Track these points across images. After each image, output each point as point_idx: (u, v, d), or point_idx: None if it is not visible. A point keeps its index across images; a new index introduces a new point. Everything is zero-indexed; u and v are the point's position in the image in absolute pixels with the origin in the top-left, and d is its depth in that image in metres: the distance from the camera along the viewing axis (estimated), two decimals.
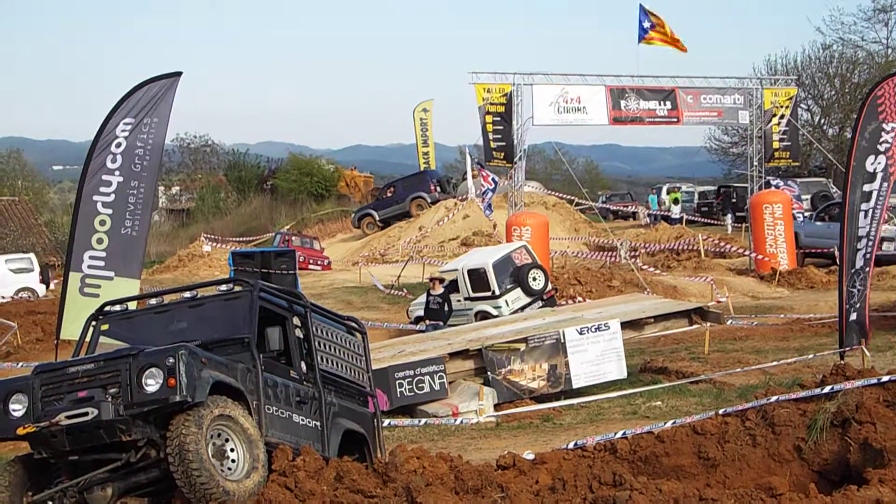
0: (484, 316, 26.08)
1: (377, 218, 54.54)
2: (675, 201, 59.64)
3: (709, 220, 52.66)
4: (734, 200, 53.36)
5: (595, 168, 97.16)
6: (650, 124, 37.13)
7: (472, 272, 27.03)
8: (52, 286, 35.88)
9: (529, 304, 27.14)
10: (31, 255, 38.30)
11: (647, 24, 36.17)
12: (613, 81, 36.47)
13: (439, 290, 25.16)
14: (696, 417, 11.89)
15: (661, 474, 10.57)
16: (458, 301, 27.04)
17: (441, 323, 24.71)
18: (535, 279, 27.41)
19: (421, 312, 28.16)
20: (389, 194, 55.32)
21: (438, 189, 54.73)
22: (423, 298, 28.86)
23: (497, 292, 26.54)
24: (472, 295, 26.89)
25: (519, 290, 27.17)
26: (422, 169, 60.28)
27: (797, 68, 63.75)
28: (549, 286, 27.89)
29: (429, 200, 53.54)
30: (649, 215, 55.04)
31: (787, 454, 10.72)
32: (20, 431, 9.42)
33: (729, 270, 37.33)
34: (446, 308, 25.16)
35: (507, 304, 26.65)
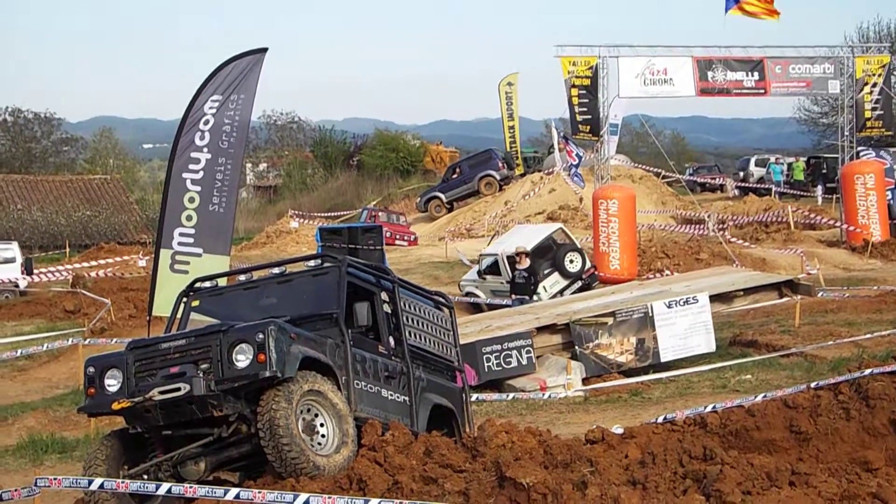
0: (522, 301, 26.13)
1: (444, 200, 54.49)
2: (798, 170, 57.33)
3: (799, 192, 51.89)
4: (825, 171, 52.51)
5: (682, 140, 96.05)
6: (737, 96, 36.63)
7: (511, 258, 27.10)
8: (34, 277, 35.82)
9: (567, 286, 27.24)
10: (14, 245, 38.34)
11: None
12: (700, 52, 36.00)
13: (526, 263, 25.11)
14: (788, 391, 11.76)
15: (752, 449, 10.46)
16: (500, 283, 27.21)
17: (527, 297, 24.67)
18: (571, 262, 27.60)
19: (472, 288, 28.40)
20: (455, 175, 55.23)
21: (506, 166, 54.64)
22: (473, 273, 29.10)
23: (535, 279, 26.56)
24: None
25: (557, 273, 27.25)
26: (504, 144, 60.18)
27: (890, 35, 62.45)
28: (589, 265, 27.94)
29: (498, 178, 53.48)
30: (777, 189, 53.10)
31: (882, 428, 10.53)
32: (115, 406, 9.59)
33: (819, 242, 36.82)
34: (533, 282, 25.15)
35: (546, 290, 26.79)
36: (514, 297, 25.16)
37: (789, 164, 58.48)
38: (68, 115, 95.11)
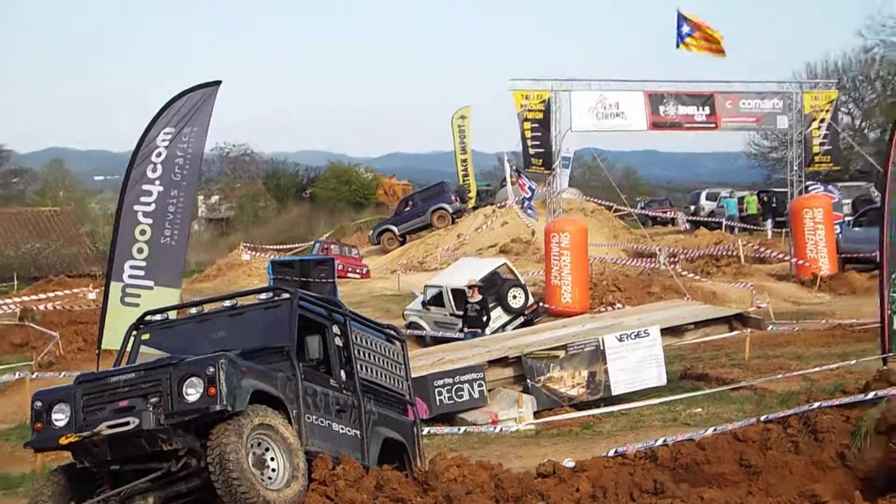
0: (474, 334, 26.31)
1: (397, 233, 54.58)
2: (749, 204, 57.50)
3: (751, 226, 52.30)
4: (774, 205, 52.97)
5: (634, 174, 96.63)
6: (689, 129, 36.97)
7: (455, 291, 27.38)
8: None
9: (510, 321, 27.46)
10: None
11: (685, 30, 35.90)
12: (652, 87, 36.31)
13: (477, 297, 25.23)
14: (738, 424, 11.82)
15: (703, 482, 10.50)
16: (444, 315, 27.39)
17: (479, 330, 24.74)
18: (514, 297, 27.95)
19: (416, 318, 28.58)
20: (408, 208, 55.34)
21: (459, 199, 54.81)
22: (417, 304, 29.28)
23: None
24: (456, 312, 27.18)
25: (500, 308, 27.50)
26: (459, 176, 60.34)
27: (838, 72, 63.28)
28: (532, 301, 28.19)
29: (450, 211, 53.69)
30: (728, 223, 53.30)
31: (830, 461, 10.61)
32: (63, 441, 9.49)
33: (769, 276, 37.07)
34: (485, 316, 25.24)
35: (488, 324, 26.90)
36: (466, 329, 25.23)
37: (741, 198, 58.89)
38: (18, 146, 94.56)
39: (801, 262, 35.62)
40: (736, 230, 50.33)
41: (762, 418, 11.52)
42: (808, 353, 22.65)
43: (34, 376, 21.71)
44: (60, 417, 9.59)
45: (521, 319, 27.82)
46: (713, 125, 36.61)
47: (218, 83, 18.78)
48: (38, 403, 9.75)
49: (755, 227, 52.57)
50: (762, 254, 39.85)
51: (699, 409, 18.38)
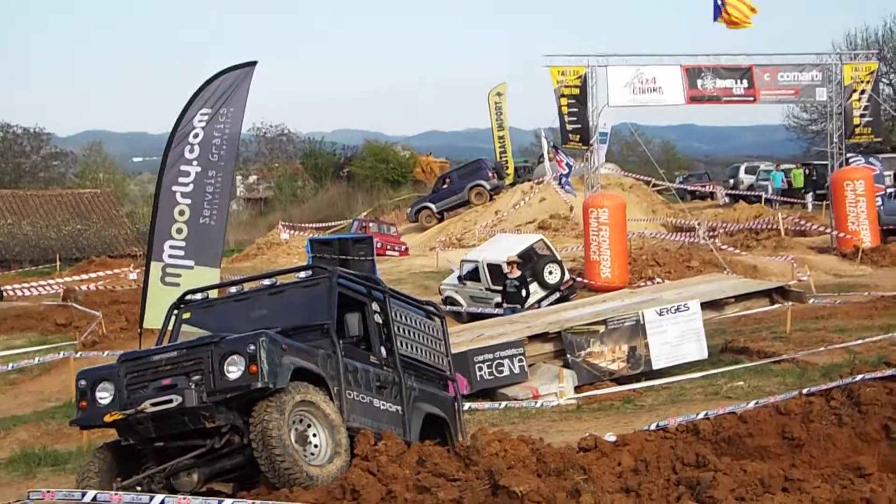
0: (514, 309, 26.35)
1: (435, 210, 54.48)
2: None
3: (795, 199, 51.93)
4: (814, 178, 52.56)
5: (672, 148, 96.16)
6: (727, 103, 36.71)
7: (491, 266, 27.33)
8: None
9: (545, 297, 27.39)
10: None
11: (720, 1, 35.62)
12: (689, 61, 36.08)
13: (516, 273, 25.23)
14: (780, 397, 11.76)
15: (745, 455, 10.46)
16: (480, 290, 27.36)
17: (517, 306, 24.75)
18: (550, 273, 27.86)
19: (452, 292, 28.59)
20: (445, 186, 55.25)
21: (496, 176, 54.66)
22: (453, 278, 29.29)
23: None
24: (492, 287, 27.12)
25: (535, 284, 27.44)
26: (491, 154, 60.23)
27: (878, 42, 62.60)
28: (567, 277, 28.13)
29: (488, 188, 53.53)
30: (767, 196, 52.77)
31: (874, 433, 10.54)
32: (107, 419, 9.57)
33: (810, 249, 36.86)
34: (524, 292, 25.24)
35: None
36: (505, 305, 25.25)
37: (787, 171, 58.36)
38: (58, 129, 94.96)
39: (842, 234, 35.38)
40: (776, 204, 49.90)
41: (804, 391, 11.45)
42: (851, 325, 22.49)
43: (78, 355, 21.91)
44: (105, 396, 9.67)
45: (557, 295, 27.76)
46: (752, 98, 36.35)
47: (254, 64, 18.82)
48: (83, 382, 9.84)
49: (797, 201, 52.15)
50: (803, 227, 39.61)
51: (741, 383, 18.32)
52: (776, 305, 22.22)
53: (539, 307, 26.17)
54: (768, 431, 10.80)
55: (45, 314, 31.48)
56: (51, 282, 38.41)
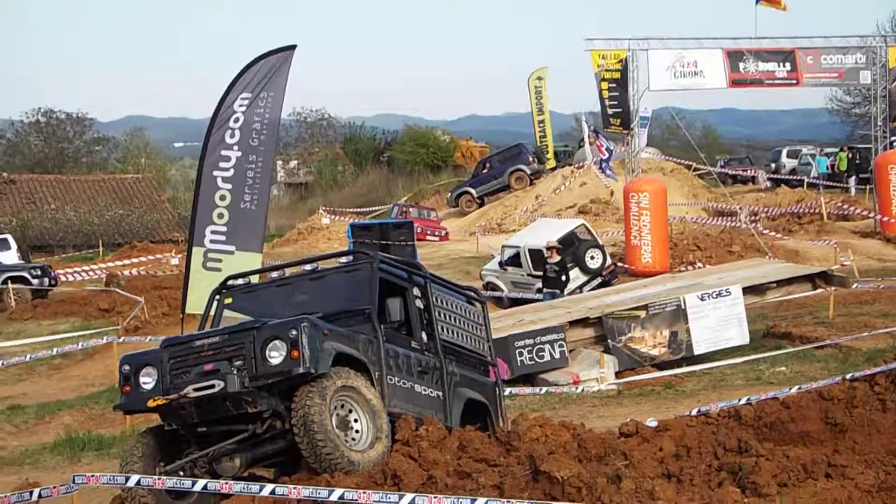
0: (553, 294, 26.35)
1: (475, 195, 54.33)
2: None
3: (838, 183, 51.50)
4: (858, 162, 52.10)
5: (713, 132, 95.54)
6: (770, 86, 36.40)
7: (532, 252, 27.26)
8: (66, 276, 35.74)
9: (587, 282, 27.30)
10: (8, 236, 37.88)
11: None
12: (730, 44, 35.83)
13: (556, 258, 25.18)
14: (823, 383, 11.70)
15: (787, 441, 10.41)
16: (521, 275, 27.29)
17: (557, 291, 24.71)
18: (592, 258, 27.77)
19: (493, 278, 28.57)
20: (486, 170, 55.11)
21: (536, 161, 54.47)
22: (494, 264, 29.26)
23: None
24: (533, 273, 27.07)
25: (577, 269, 27.35)
26: (532, 138, 60.05)
27: None
28: (609, 262, 28.03)
29: (528, 173, 53.29)
30: (810, 180, 52.13)
31: None
32: (150, 404, 9.63)
33: (853, 233, 36.57)
34: (563, 277, 25.20)
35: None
36: (545, 290, 25.22)
37: (832, 154, 57.76)
38: (100, 115, 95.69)
39: (885, 218, 35.06)
40: (821, 188, 49.44)
41: (848, 376, 11.38)
42: (894, 310, 22.31)
43: (121, 340, 22.07)
44: (148, 381, 9.73)
45: (599, 280, 27.70)
46: (794, 81, 36.02)
47: (293, 47, 18.79)
48: (126, 367, 9.89)
49: (840, 185, 51.69)
50: (845, 211, 39.31)
51: (783, 368, 18.24)
52: (819, 290, 22.08)
53: (581, 292, 26.13)
54: (811, 417, 10.73)
55: (88, 299, 31.75)
56: (94, 267, 38.78)
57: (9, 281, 33.04)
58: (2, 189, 58.46)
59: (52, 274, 34.60)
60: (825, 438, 10.57)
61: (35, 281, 33.31)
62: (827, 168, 55.54)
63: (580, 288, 26.98)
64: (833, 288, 22.01)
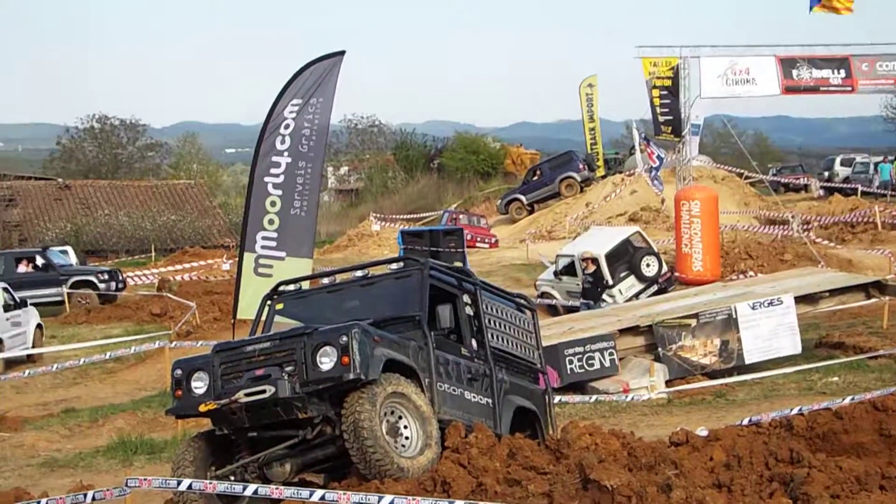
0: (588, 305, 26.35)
1: (525, 202, 54.29)
2: None
3: (886, 192, 50.95)
4: None
5: (765, 140, 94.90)
6: (824, 93, 36.13)
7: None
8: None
9: (643, 289, 27.21)
10: (68, 248, 38.05)
11: None
12: (783, 51, 35.60)
13: (592, 268, 25.34)
14: (877, 393, 11.60)
15: (840, 452, 10.31)
16: (576, 284, 27.26)
17: (592, 302, 24.83)
18: (648, 265, 27.64)
19: (548, 288, 28.58)
20: (536, 178, 55.03)
21: (587, 168, 54.35)
22: (549, 274, 29.26)
23: (610, 282, 26.68)
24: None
25: (633, 277, 27.25)
26: (582, 147, 59.94)
27: None
28: (665, 269, 27.91)
29: (579, 180, 53.17)
30: (865, 191, 51.34)
31: None
32: (202, 408, 9.69)
33: None
34: (599, 287, 25.32)
35: (621, 293, 26.98)
36: (581, 301, 25.36)
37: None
38: (153, 121, 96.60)
39: None
40: (888, 197, 48.75)
41: None
42: None
43: (173, 345, 22.26)
44: (199, 385, 9.79)
45: (655, 288, 27.60)
46: (849, 88, 35.73)
47: (342, 53, 18.81)
48: (178, 372, 9.97)
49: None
50: None
51: (835, 378, 18.08)
52: (872, 300, 21.86)
53: (637, 300, 26.05)
54: (865, 428, 10.62)
55: (140, 304, 32.08)
56: (146, 272, 39.14)
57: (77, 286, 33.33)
58: (57, 195, 59.16)
59: (121, 277, 34.87)
60: (879, 450, 10.46)
61: (102, 286, 33.57)
62: (890, 176, 54.70)
63: (636, 296, 26.90)
64: (887, 298, 21.78)
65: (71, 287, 33.33)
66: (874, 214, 39.02)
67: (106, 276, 34.08)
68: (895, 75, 35.98)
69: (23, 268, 33.83)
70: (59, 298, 32.93)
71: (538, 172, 55.41)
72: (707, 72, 34.68)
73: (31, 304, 27.63)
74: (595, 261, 25.84)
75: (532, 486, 8.86)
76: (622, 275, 27.25)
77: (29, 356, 25.51)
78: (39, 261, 34.12)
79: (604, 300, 25.76)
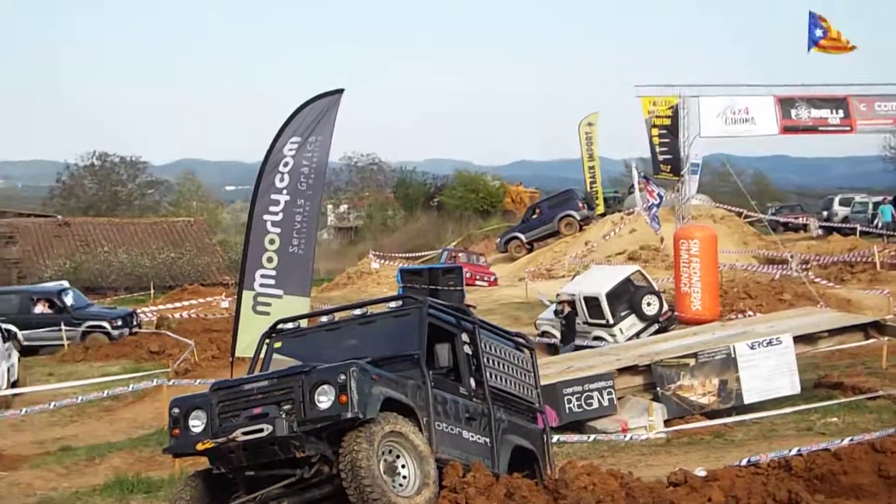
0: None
1: (524, 240, 54.37)
2: None
3: (884, 232, 50.96)
4: None
5: (763, 179, 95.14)
6: (823, 133, 36.24)
7: (588, 299, 27.28)
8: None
9: (644, 328, 27.26)
10: (68, 287, 37.59)
11: (818, 33, 35.21)
12: (782, 91, 35.72)
13: (567, 310, 25.52)
14: (876, 435, 11.58)
15: (839, 493, 10.30)
16: (580, 323, 27.31)
17: (562, 344, 25.10)
18: (649, 304, 27.68)
19: (548, 327, 28.70)
20: (535, 216, 55.14)
21: (586, 206, 54.44)
22: (549, 313, 29.37)
23: (611, 321, 26.79)
24: (590, 321, 27.09)
25: (634, 316, 27.29)
26: (585, 183, 60.07)
27: None
28: (666, 308, 27.97)
29: (578, 218, 53.28)
30: (864, 230, 51.21)
31: None
32: (199, 447, 9.66)
33: None
34: (571, 331, 25.62)
35: (622, 332, 27.04)
36: (558, 342, 25.70)
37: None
38: (153, 157, 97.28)
39: None
40: (886, 238, 48.73)
41: None
42: None
43: (171, 383, 22.21)
44: (197, 424, 9.77)
45: (656, 327, 27.62)
46: (848, 128, 35.84)
47: (341, 91, 18.82)
48: (176, 410, 9.95)
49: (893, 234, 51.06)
50: None
51: (834, 419, 18.05)
52: (871, 340, 21.85)
53: (638, 339, 26.06)
54: (863, 469, 10.61)
55: (139, 342, 31.97)
56: (145, 309, 39.07)
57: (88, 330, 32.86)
58: (57, 232, 59.19)
59: (135, 321, 34.13)
60: (878, 491, 10.45)
61: (115, 332, 32.95)
62: (892, 217, 54.63)
63: (637, 335, 26.91)
64: (886, 338, 21.77)
65: (83, 332, 32.77)
66: (873, 254, 39.03)
67: (119, 322, 33.38)
68: (894, 115, 36.10)
69: (40, 307, 33.33)
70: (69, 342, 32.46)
71: (537, 211, 55.51)
72: (706, 111, 34.79)
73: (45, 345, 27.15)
74: (571, 303, 26.06)
75: None
76: (623, 314, 27.29)
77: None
78: (56, 300, 33.50)
79: (606, 338, 25.90)
